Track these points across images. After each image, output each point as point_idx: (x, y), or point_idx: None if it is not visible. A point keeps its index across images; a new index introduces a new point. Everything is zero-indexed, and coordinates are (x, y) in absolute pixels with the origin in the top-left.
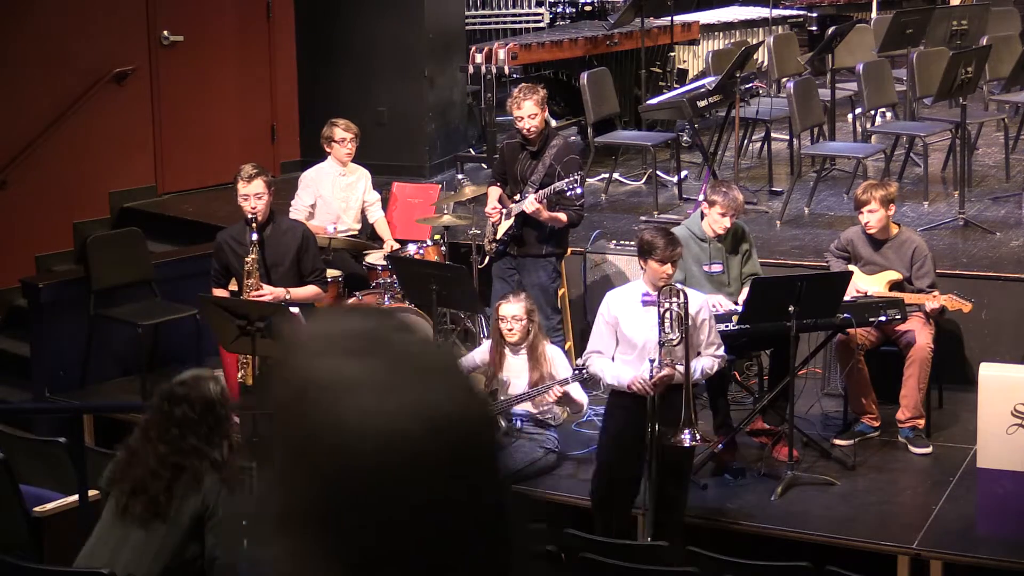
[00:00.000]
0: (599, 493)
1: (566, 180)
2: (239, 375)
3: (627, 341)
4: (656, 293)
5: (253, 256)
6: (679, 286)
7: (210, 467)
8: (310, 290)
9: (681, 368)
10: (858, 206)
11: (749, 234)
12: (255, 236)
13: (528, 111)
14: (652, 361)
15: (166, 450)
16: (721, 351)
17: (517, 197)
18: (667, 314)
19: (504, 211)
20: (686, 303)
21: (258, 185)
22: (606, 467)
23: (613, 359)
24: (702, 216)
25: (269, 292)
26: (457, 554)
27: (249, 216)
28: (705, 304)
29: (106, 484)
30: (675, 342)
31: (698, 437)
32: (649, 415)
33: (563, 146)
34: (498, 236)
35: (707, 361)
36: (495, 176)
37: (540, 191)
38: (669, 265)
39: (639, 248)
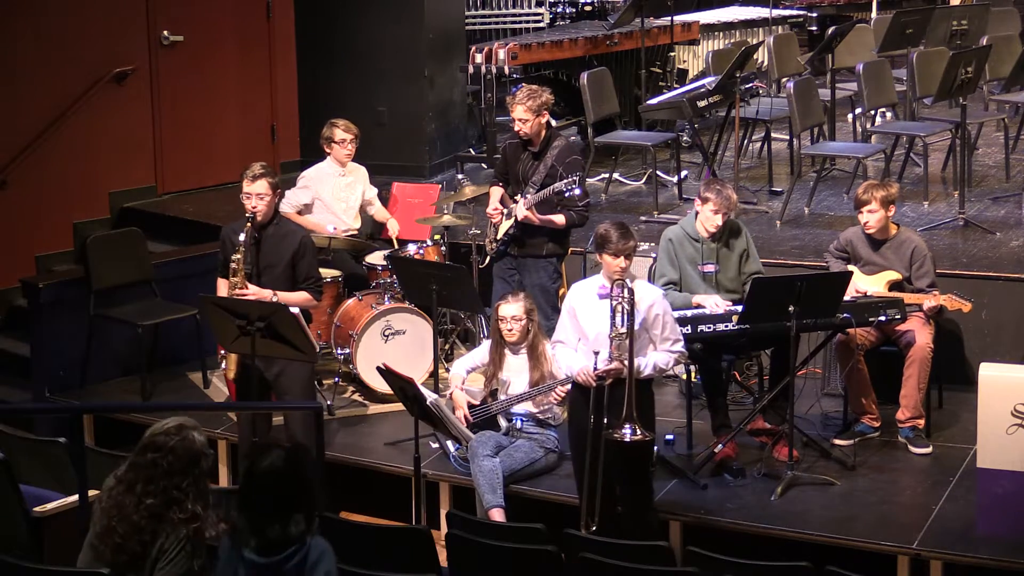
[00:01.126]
0: (580, 489)
1: (564, 181)
2: (221, 367)
3: (582, 332)
4: (610, 287)
5: (238, 256)
6: (629, 282)
7: (184, 520)
8: (300, 296)
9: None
10: (858, 206)
11: (747, 233)
12: (242, 236)
13: (518, 115)
14: (597, 354)
15: (152, 502)
16: (679, 346)
17: (518, 197)
18: (618, 308)
19: (505, 212)
20: (632, 298)
21: (261, 186)
22: (574, 459)
23: (577, 350)
24: (696, 215)
25: (253, 293)
26: None
27: (248, 215)
28: (659, 299)
29: (93, 537)
30: (624, 336)
31: (639, 432)
32: (592, 407)
33: (565, 147)
34: (499, 236)
35: (662, 356)
36: (497, 176)
37: (537, 193)
38: (623, 258)
39: (594, 241)
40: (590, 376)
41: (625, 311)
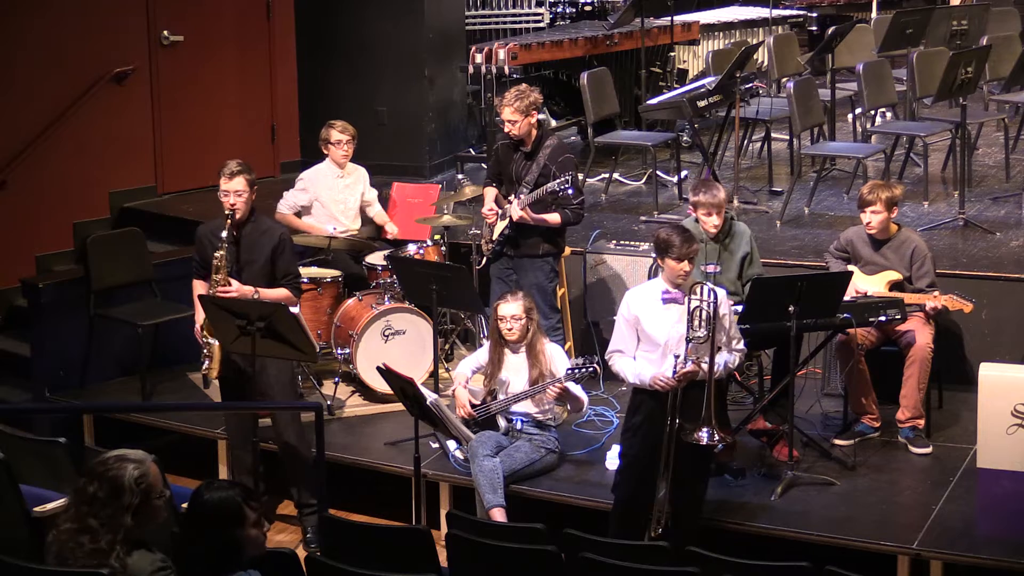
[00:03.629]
0: (626, 491)
1: (558, 180)
2: (203, 367)
3: (649, 339)
4: (676, 290)
5: (221, 252)
6: (709, 284)
7: (91, 552)
8: (280, 293)
9: (705, 365)
10: (862, 206)
11: (752, 238)
12: (224, 233)
13: (506, 116)
14: (677, 357)
15: (70, 526)
16: (741, 345)
17: (512, 198)
18: (697, 311)
19: (500, 212)
20: (715, 301)
21: (239, 183)
22: (633, 463)
23: (635, 357)
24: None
25: (236, 290)
26: None
27: (227, 212)
28: (725, 299)
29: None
30: (702, 339)
31: (716, 436)
32: (669, 410)
33: (557, 146)
34: (494, 237)
35: (730, 356)
36: (490, 177)
37: (531, 193)
38: (687, 262)
39: (656, 247)
40: (670, 381)
41: (706, 314)
